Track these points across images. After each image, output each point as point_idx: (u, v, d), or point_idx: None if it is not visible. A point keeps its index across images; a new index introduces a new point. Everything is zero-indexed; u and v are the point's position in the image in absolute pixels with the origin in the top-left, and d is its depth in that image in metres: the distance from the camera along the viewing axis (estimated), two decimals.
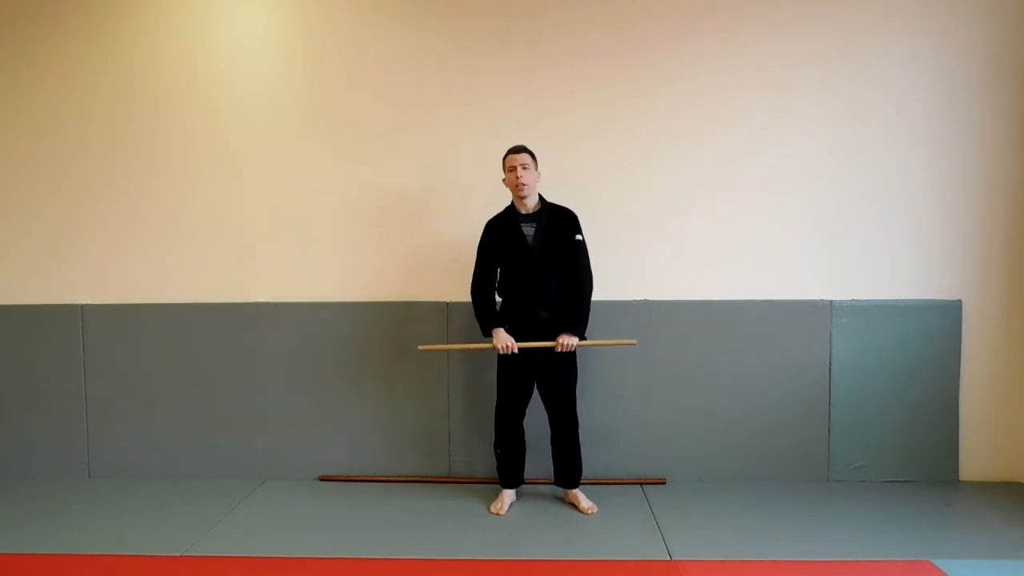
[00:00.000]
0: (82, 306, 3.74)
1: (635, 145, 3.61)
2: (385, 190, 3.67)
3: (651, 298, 3.61)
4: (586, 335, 3.20)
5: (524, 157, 3.14)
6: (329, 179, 3.68)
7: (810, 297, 3.60)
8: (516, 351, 3.11)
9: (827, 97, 3.56)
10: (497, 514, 3.22)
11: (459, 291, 3.61)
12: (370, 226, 3.69)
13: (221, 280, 3.73)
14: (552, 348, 3.13)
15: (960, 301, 3.58)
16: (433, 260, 3.68)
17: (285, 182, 3.69)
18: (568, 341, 3.10)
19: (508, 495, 3.32)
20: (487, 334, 3.21)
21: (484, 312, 3.23)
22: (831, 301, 3.58)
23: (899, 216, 3.58)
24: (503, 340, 3.12)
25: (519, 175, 3.12)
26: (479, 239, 3.28)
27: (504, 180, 3.23)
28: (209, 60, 3.67)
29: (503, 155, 3.22)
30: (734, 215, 3.61)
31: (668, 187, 3.62)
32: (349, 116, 3.67)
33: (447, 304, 3.64)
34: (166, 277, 3.74)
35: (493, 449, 3.36)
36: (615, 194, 3.60)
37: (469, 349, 3.45)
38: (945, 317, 3.57)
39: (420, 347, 3.35)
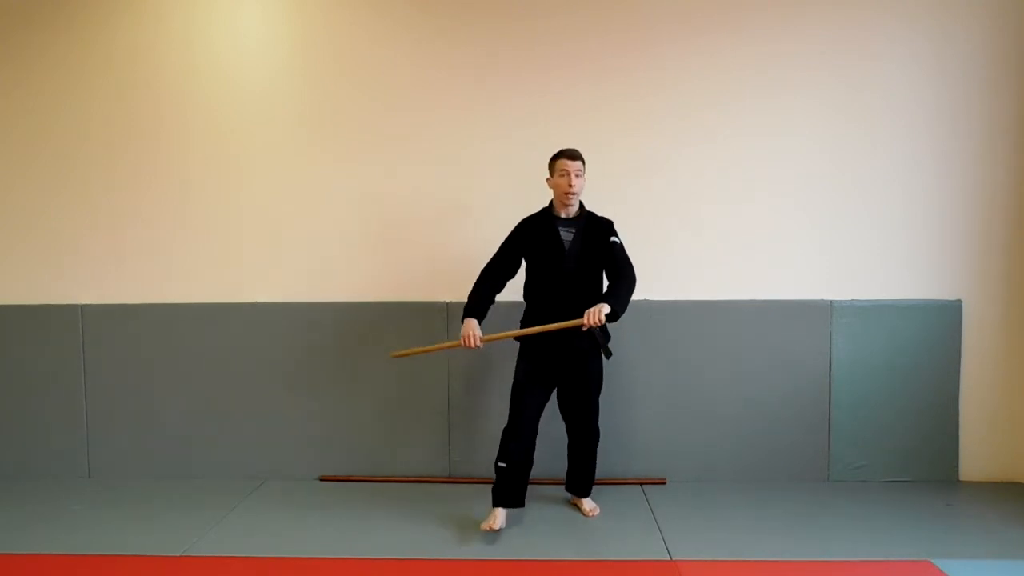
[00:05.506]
0: (82, 306, 3.74)
1: (635, 146, 3.61)
2: (385, 190, 3.67)
3: (651, 298, 3.61)
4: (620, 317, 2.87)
5: (579, 164, 3.01)
6: (329, 179, 3.68)
7: (810, 297, 3.60)
8: (479, 345, 2.92)
9: (827, 98, 3.57)
10: (490, 529, 2.93)
11: (460, 291, 3.59)
12: (370, 226, 3.69)
13: (221, 280, 3.72)
14: (575, 342, 2.96)
15: (960, 301, 3.58)
16: (434, 260, 3.67)
17: (285, 182, 3.69)
18: (598, 309, 2.78)
19: (501, 513, 3.00)
20: (463, 319, 3.00)
21: (477, 298, 3.04)
22: (831, 301, 3.58)
23: (899, 216, 3.58)
24: (466, 329, 2.93)
25: (572, 181, 2.99)
26: (507, 235, 3.13)
27: (549, 181, 3.09)
28: (210, 60, 3.67)
29: (553, 155, 3.06)
30: (734, 215, 3.61)
31: (668, 188, 3.62)
32: (350, 116, 3.66)
33: (447, 304, 3.64)
34: (166, 277, 3.74)
35: (495, 464, 3.06)
36: (615, 195, 3.59)
37: (439, 349, 3.25)
38: (945, 317, 3.57)
39: (391, 354, 3.25)
